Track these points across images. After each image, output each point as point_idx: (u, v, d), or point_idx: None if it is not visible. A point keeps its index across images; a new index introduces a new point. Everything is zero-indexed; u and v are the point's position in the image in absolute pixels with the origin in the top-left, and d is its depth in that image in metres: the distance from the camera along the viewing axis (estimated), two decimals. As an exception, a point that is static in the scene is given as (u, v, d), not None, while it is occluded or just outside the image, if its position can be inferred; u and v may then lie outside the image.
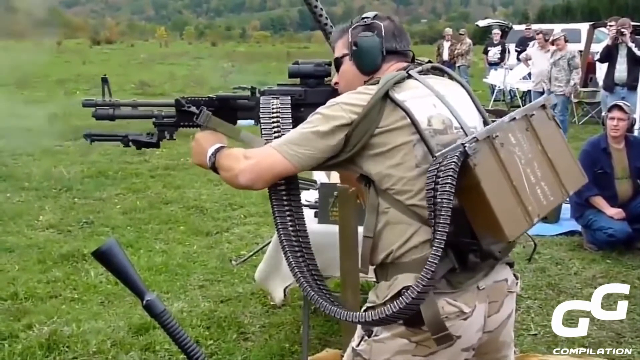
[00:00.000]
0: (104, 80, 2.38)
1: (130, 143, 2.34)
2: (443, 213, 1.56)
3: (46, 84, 18.53)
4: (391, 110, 1.79)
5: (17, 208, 6.44)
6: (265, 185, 1.92)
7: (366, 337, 1.88)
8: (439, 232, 1.56)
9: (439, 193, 1.57)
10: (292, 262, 1.90)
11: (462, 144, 1.58)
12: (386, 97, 1.79)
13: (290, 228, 1.95)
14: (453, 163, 1.56)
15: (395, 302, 1.63)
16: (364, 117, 1.78)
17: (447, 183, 1.56)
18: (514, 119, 1.74)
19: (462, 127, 1.82)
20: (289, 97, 2.12)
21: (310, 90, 2.18)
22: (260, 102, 2.11)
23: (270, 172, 1.87)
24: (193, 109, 2.17)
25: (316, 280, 1.93)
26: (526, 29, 16.48)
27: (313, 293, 1.86)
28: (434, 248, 1.57)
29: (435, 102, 1.84)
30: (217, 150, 2.01)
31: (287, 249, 1.92)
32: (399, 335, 1.80)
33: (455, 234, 1.69)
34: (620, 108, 5.46)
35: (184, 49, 44.01)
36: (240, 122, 2.26)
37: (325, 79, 2.20)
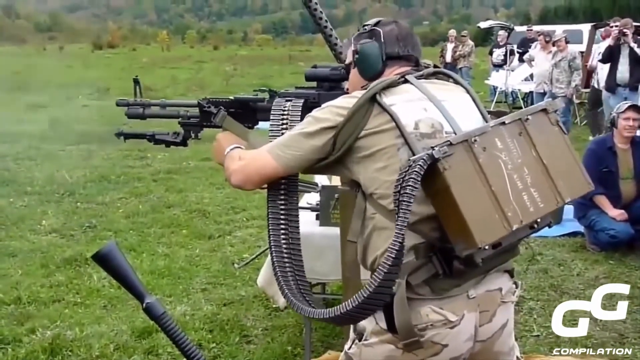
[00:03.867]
0: (136, 82, 2.55)
1: (158, 142, 2.50)
2: (401, 215, 1.54)
3: (48, 88, 18.55)
4: (377, 113, 1.80)
5: (20, 212, 6.45)
6: (254, 186, 1.98)
7: (357, 341, 1.91)
8: (395, 235, 1.55)
9: (400, 195, 1.56)
10: (275, 262, 1.98)
11: (432, 147, 1.58)
12: (374, 100, 1.81)
13: (282, 229, 2.01)
14: (418, 166, 1.55)
15: (352, 299, 1.62)
16: (349, 120, 1.80)
17: (409, 186, 1.54)
18: (503, 123, 1.71)
19: (454, 132, 1.80)
20: (302, 100, 2.17)
21: (325, 93, 2.23)
22: (274, 104, 2.18)
23: (258, 173, 1.94)
24: (212, 109, 2.29)
25: (298, 281, 1.98)
26: (528, 30, 16.47)
27: (287, 292, 1.92)
28: (389, 248, 1.55)
29: (427, 106, 1.83)
30: (231, 150, 2.10)
31: (273, 249, 1.99)
32: (387, 341, 1.81)
33: (441, 240, 1.70)
34: (635, 108, 5.45)
35: (186, 53, 44.05)
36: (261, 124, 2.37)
37: (342, 82, 2.25)
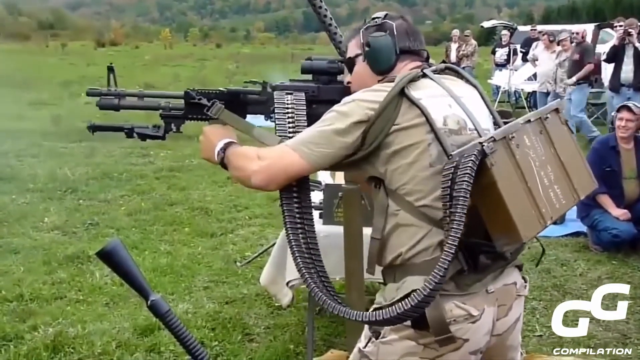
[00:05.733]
0: (110, 69, 2.32)
1: (135, 135, 2.29)
2: (458, 211, 1.54)
3: (51, 86, 18.57)
4: (407, 107, 1.77)
5: (22, 209, 6.45)
6: (278, 187, 1.89)
7: (373, 339, 1.87)
8: (453, 231, 1.55)
9: (455, 191, 1.56)
10: (300, 263, 1.87)
11: (480, 142, 1.57)
12: (402, 94, 1.77)
13: (299, 229, 1.92)
14: (471, 161, 1.55)
15: (402, 302, 1.60)
16: (381, 114, 1.75)
17: (464, 181, 1.54)
18: (529, 121, 1.73)
19: (476, 129, 1.80)
20: (303, 93, 2.10)
21: (324, 87, 2.16)
22: (275, 97, 2.09)
23: (284, 173, 1.85)
24: (204, 101, 2.13)
25: (323, 282, 1.89)
26: (531, 30, 16.45)
27: (321, 294, 1.81)
28: (446, 247, 1.55)
29: (451, 103, 1.82)
30: (227, 145, 1.99)
31: (295, 250, 1.88)
32: (407, 337, 1.79)
33: (467, 235, 1.67)
34: (629, 109, 5.48)
35: (189, 51, 44.07)
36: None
37: (338, 76, 2.19)
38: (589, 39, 14.03)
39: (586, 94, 10.23)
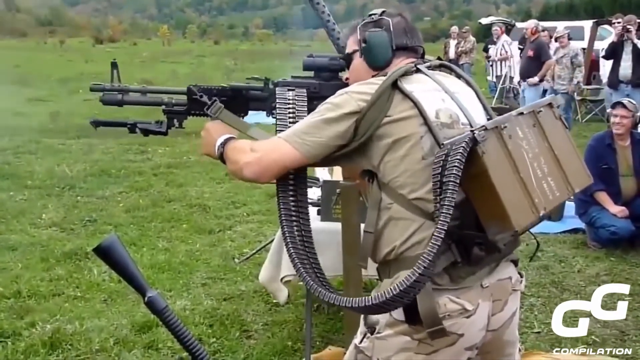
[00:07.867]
0: (114, 65, 2.32)
1: (138, 130, 2.30)
2: (448, 196, 1.54)
3: (49, 82, 18.54)
4: (400, 99, 1.78)
5: (20, 206, 6.45)
6: (271, 179, 1.89)
7: (369, 335, 1.87)
8: (442, 216, 1.54)
9: (445, 177, 1.57)
10: (294, 255, 1.87)
11: (472, 131, 1.58)
12: (395, 86, 1.79)
13: (294, 222, 1.92)
14: (461, 148, 1.55)
15: (391, 287, 1.59)
16: (373, 105, 1.77)
17: (455, 166, 1.55)
18: (522, 113, 1.74)
19: (469, 123, 1.81)
20: (305, 89, 2.11)
21: (325, 83, 2.18)
22: (276, 93, 2.09)
23: (277, 164, 1.85)
24: (205, 98, 2.15)
25: (317, 274, 1.90)
26: (527, 26, 16.43)
27: (312, 282, 1.83)
28: (435, 232, 1.55)
29: (444, 97, 1.84)
30: (226, 141, 2.00)
31: (289, 242, 1.89)
32: (402, 333, 1.79)
33: (460, 227, 1.68)
34: (623, 105, 5.48)
35: (187, 48, 44.05)
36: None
37: (339, 73, 2.20)
38: (587, 35, 14.06)
39: (539, 93, 10.29)
